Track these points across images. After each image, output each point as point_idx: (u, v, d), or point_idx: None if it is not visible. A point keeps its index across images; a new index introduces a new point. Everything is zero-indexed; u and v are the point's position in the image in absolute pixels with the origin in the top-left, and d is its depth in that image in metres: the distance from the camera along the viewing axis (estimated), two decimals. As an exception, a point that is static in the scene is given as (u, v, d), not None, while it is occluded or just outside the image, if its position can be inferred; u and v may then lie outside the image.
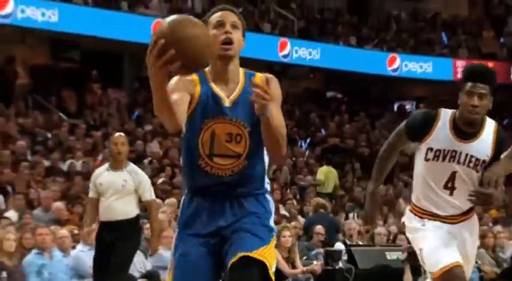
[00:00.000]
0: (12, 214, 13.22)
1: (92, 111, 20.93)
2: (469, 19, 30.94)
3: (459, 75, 27.23)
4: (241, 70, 4.46)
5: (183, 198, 4.59)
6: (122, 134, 9.61)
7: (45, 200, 13.81)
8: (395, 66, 26.53)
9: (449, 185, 5.52)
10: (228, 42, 4.32)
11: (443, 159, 5.46)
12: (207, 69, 4.42)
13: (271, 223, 4.48)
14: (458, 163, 5.45)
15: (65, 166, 16.94)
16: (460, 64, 27.33)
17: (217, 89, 4.38)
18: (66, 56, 22.79)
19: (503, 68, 27.28)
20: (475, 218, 5.71)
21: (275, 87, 4.38)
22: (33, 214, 13.27)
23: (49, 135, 18.56)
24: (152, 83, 3.95)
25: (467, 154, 5.43)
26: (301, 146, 23.87)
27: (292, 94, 25.67)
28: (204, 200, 4.44)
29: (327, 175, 20.12)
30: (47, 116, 19.76)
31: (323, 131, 24.98)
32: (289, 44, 24.51)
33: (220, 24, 4.35)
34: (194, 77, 4.38)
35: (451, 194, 5.53)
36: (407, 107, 29.33)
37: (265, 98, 4.04)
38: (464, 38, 29.21)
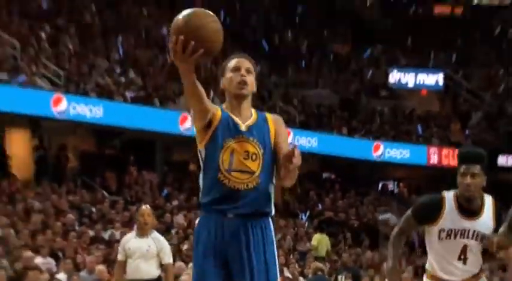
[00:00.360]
0: (62, 276, 13.18)
1: (129, 189, 20.93)
2: (440, 114, 31.07)
3: (432, 161, 27.31)
4: (252, 108, 4.39)
5: (197, 220, 4.34)
6: (148, 206, 9.60)
7: (90, 264, 13.77)
8: (379, 152, 26.53)
9: (462, 257, 5.34)
10: (243, 83, 4.25)
11: (455, 237, 5.28)
12: (224, 105, 4.37)
13: (275, 262, 4.28)
14: (468, 238, 5.27)
15: (106, 235, 16.88)
16: (433, 151, 27.37)
17: (234, 116, 4.29)
18: (109, 144, 22.90)
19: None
20: (484, 278, 5.52)
21: (284, 126, 4.38)
22: (80, 276, 13.23)
23: (93, 209, 18.54)
24: (182, 73, 3.89)
25: (474, 231, 5.25)
26: (301, 218, 23.79)
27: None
28: (218, 219, 4.21)
29: (319, 240, 19.99)
30: (92, 193, 19.77)
31: (320, 206, 24.92)
32: (292, 134, 24.60)
33: (236, 69, 4.27)
34: (216, 106, 4.31)
35: (464, 263, 5.34)
36: (390, 186, 29.25)
37: (299, 162, 3.99)
38: (435, 130, 29.30)
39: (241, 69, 4.27)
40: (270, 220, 4.32)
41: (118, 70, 23.35)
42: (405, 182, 28.70)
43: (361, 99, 30.03)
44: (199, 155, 4.28)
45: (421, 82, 30.69)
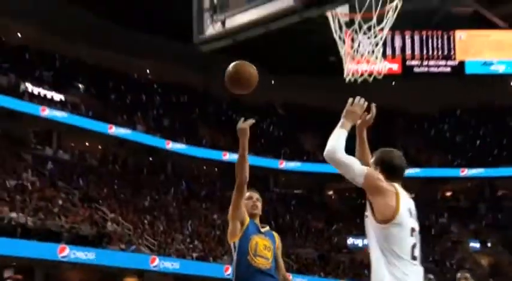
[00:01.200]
0: None
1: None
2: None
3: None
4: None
5: None
6: None
7: None
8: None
9: None
10: (255, 206, 3.95)
11: None
12: None
13: None
14: None
15: None
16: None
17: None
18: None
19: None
20: None
21: (280, 241, 4.01)
22: None
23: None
24: (240, 145, 3.52)
25: None
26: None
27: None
28: None
29: None
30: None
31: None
32: (291, 277, 23.96)
33: (250, 197, 3.95)
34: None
35: None
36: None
37: None
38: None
39: (253, 198, 3.98)
40: None
41: (188, 240, 23.32)
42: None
43: (331, 254, 29.83)
44: (232, 247, 3.87)
45: (366, 244, 30.51)
